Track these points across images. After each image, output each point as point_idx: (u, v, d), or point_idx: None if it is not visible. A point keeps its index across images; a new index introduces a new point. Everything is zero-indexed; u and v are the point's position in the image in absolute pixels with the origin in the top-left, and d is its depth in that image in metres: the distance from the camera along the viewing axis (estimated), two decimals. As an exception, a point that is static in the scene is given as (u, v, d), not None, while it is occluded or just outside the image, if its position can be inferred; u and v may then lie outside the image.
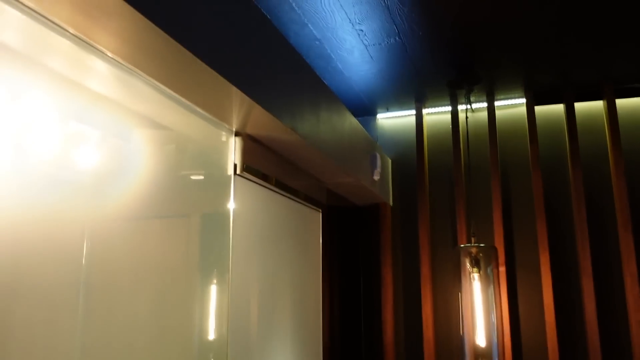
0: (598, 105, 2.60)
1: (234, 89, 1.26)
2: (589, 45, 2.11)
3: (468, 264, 2.32)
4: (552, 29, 1.99)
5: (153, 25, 0.97)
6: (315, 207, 2.18)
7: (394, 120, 2.89)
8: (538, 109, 2.63)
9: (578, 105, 2.59)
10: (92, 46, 1.05)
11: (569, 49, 2.15)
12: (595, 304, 2.36)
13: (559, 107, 2.64)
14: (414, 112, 2.80)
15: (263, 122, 1.47)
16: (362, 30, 2.00)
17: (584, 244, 2.42)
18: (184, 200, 1.52)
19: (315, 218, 2.19)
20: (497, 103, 2.70)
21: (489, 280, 2.31)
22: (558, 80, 2.48)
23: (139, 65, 1.15)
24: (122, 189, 1.36)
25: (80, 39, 1.02)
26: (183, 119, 1.46)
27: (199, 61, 1.12)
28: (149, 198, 1.42)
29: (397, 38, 2.05)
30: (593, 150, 2.56)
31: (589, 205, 2.49)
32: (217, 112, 1.42)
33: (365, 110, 2.85)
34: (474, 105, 2.72)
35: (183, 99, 1.34)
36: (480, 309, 2.29)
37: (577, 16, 1.89)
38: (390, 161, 2.83)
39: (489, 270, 2.32)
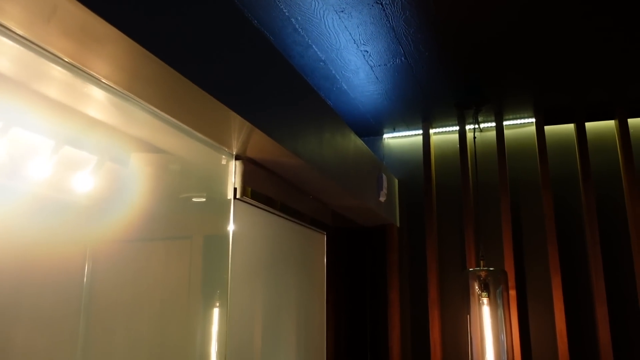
0: (609, 125, 2.54)
1: (232, 113, 1.23)
2: (600, 64, 2.07)
3: (477, 288, 2.26)
4: (562, 48, 1.95)
5: (147, 52, 0.95)
6: (319, 230, 2.14)
7: (401, 140, 2.86)
8: (548, 128, 2.58)
9: (589, 125, 2.54)
10: (87, 73, 1.03)
11: (579, 68, 2.10)
12: (609, 330, 2.28)
13: (569, 127, 2.59)
14: (421, 131, 2.77)
15: (264, 146, 1.45)
16: (367, 52, 1.98)
17: (597, 268, 2.35)
18: (183, 224, 1.49)
19: (319, 240, 2.15)
20: (505, 123, 2.65)
21: (498, 305, 2.25)
22: (568, 100, 2.44)
23: (135, 91, 1.13)
24: (120, 212, 1.34)
25: (74, 66, 1.00)
26: (181, 143, 1.44)
27: (195, 86, 1.10)
28: (146, 221, 1.39)
29: (402, 59, 2.03)
30: (605, 171, 2.50)
31: (602, 227, 2.42)
32: (216, 136, 1.40)
33: (371, 131, 2.82)
34: (482, 125, 2.68)
35: (181, 124, 1.32)
36: (489, 334, 2.22)
37: (587, 34, 1.86)
38: (397, 182, 2.79)
39: (498, 294, 2.26)
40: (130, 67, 1.02)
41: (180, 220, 1.48)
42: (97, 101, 1.19)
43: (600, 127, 2.55)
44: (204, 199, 1.52)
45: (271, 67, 1.44)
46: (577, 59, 2.02)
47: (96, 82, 1.08)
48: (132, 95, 1.16)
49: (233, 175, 1.51)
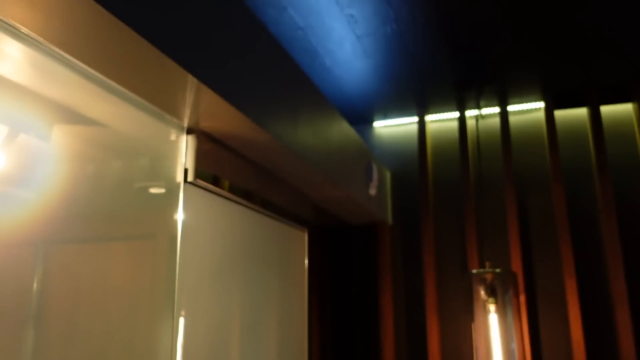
0: (627, 108, 2.32)
1: (172, 63, 0.95)
2: (616, 39, 1.84)
3: (482, 293, 1.99)
4: (574, 21, 1.70)
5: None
6: (299, 226, 1.85)
7: (393, 128, 2.61)
8: (558, 113, 2.37)
9: (604, 109, 2.32)
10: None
11: (593, 44, 1.87)
12: (633, 338, 2.05)
13: (582, 111, 2.37)
14: (415, 119, 2.52)
15: (219, 113, 1.16)
16: (352, 16, 1.70)
17: (617, 269, 2.12)
18: (119, 216, 1.20)
19: (299, 239, 1.86)
20: (510, 107, 2.44)
21: (506, 311, 1.99)
22: (581, 80, 2.21)
23: (55, 41, 0.86)
24: (34, 197, 1.07)
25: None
26: (119, 111, 1.16)
27: (133, 32, 0.86)
28: (70, 212, 1.11)
29: (393, 26, 1.75)
30: (623, 160, 2.28)
31: (621, 223, 2.19)
32: (160, 100, 1.12)
33: (360, 118, 2.55)
34: (485, 110, 2.45)
35: (116, 85, 1.04)
36: (497, 345, 1.97)
37: (602, 6, 1.60)
38: (389, 174, 2.54)
39: (506, 299, 1.99)
40: (50, 9, 0.75)
41: (113, 211, 1.19)
42: (6, 55, 0.92)
43: (616, 111, 2.33)
44: (145, 185, 1.23)
45: (230, 19, 1.16)
46: (591, 33, 1.78)
47: (6, 29, 0.81)
48: (52, 47, 0.89)
49: (183, 153, 1.22)
